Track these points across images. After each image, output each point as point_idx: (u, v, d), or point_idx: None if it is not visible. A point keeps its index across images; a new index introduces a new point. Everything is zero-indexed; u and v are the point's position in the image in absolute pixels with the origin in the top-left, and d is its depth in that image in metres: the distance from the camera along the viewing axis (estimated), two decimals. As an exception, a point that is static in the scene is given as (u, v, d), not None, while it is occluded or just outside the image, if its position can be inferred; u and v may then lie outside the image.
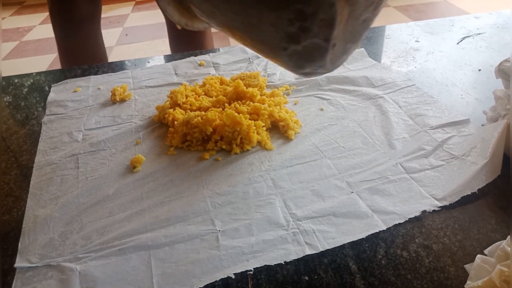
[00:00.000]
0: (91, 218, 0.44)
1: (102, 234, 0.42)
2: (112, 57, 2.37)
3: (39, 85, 0.74)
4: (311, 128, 0.56)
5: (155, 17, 2.95)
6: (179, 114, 0.57)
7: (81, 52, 0.95)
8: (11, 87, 0.75)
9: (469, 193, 0.43)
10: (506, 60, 0.51)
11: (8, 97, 0.72)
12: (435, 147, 0.49)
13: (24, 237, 0.43)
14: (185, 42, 1.07)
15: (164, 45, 2.37)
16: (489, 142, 0.46)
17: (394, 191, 0.44)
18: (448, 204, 0.42)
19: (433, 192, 0.43)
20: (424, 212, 0.41)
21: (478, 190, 0.43)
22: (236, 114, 0.52)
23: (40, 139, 0.58)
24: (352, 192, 0.44)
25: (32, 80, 0.76)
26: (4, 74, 0.83)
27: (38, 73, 0.79)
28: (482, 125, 0.53)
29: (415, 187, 0.44)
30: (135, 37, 2.56)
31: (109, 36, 2.66)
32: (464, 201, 0.42)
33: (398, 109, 0.57)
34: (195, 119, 0.53)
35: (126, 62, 0.80)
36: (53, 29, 0.97)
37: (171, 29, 1.11)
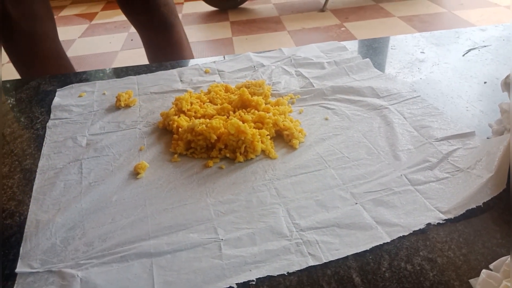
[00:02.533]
0: (93, 224, 0.44)
1: (104, 241, 0.42)
2: (116, 62, 2.38)
3: (44, 89, 0.75)
4: (316, 137, 0.55)
5: (160, 23, 2.97)
6: (183, 121, 0.57)
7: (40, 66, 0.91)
8: (16, 90, 0.75)
9: (474, 206, 0.42)
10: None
11: (13, 101, 0.72)
12: (440, 159, 0.49)
13: (26, 242, 0.42)
14: (163, 54, 1.05)
15: (169, 51, 2.38)
16: (495, 155, 0.45)
17: (398, 203, 0.44)
18: (453, 217, 0.42)
19: (438, 204, 0.43)
20: (428, 225, 0.41)
21: (483, 203, 0.43)
22: (241, 123, 0.52)
23: (44, 143, 0.58)
24: (356, 203, 0.44)
25: (37, 84, 0.77)
26: (9, 78, 0.83)
27: (43, 77, 0.79)
28: (488, 138, 0.52)
29: (420, 199, 0.44)
30: (140, 42, 2.57)
31: (115, 41, 2.67)
32: (469, 214, 0.42)
33: (403, 120, 0.57)
34: (199, 127, 0.53)
35: (132, 67, 0.80)
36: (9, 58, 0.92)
37: (146, 40, 1.08)
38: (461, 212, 0.42)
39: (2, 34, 0.87)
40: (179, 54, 1.06)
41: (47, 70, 0.92)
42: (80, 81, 0.75)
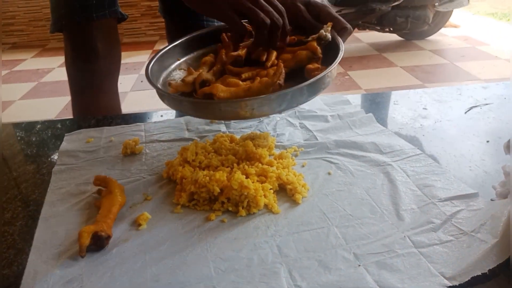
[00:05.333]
0: (92, 278, 0.43)
1: (102, 296, 0.41)
2: (126, 103, 2.43)
3: (53, 133, 0.76)
4: (319, 193, 0.56)
5: (169, 65, 3.06)
6: (188, 172, 0.57)
7: (96, 107, 0.95)
8: (24, 133, 0.77)
9: (479, 273, 0.41)
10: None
11: (21, 144, 0.73)
12: (444, 221, 0.49)
13: (22, 294, 0.42)
14: None
15: (176, 93, 2.44)
16: (499, 220, 0.45)
17: (402, 266, 0.43)
18: (457, 284, 0.41)
19: (442, 270, 0.42)
20: (433, 291, 0.40)
21: (489, 270, 0.42)
22: (244, 178, 0.52)
23: (48, 189, 0.58)
24: (359, 265, 0.43)
25: (46, 128, 0.78)
26: (20, 114, 0.85)
27: (53, 121, 0.81)
28: (492, 199, 0.52)
29: (424, 264, 0.43)
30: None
31: (125, 81, 2.74)
32: (475, 282, 0.41)
33: (406, 178, 0.57)
34: (203, 179, 0.54)
35: (140, 114, 0.82)
36: (69, 82, 0.98)
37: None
38: (466, 279, 0.41)
39: (83, 69, 0.94)
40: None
41: (100, 103, 0.97)
42: (89, 126, 0.77)
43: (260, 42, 0.60)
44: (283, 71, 0.57)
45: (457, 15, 3.78)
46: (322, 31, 0.62)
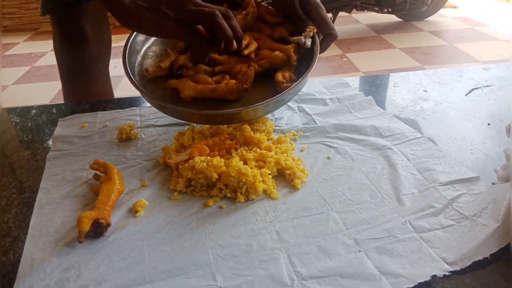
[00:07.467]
0: (89, 265, 0.43)
1: (100, 284, 0.41)
2: (121, 87, 2.40)
3: (47, 118, 0.75)
4: (318, 177, 0.55)
5: (165, 48, 3.01)
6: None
7: (86, 93, 0.93)
8: (18, 119, 0.75)
9: (481, 258, 0.41)
10: (517, 120, 0.50)
11: (15, 130, 0.72)
12: (445, 205, 0.48)
13: (19, 282, 0.41)
14: None
15: (172, 77, 2.40)
16: (501, 204, 0.45)
17: (403, 251, 0.42)
18: (459, 269, 0.40)
19: (443, 254, 0.42)
20: (434, 276, 0.40)
21: (490, 255, 0.41)
22: (242, 165, 0.51)
23: (43, 176, 0.57)
24: (359, 251, 0.43)
25: (40, 113, 0.77)
26: (13, 99, 0.84)
27: (46, 106, 0.79)
28: (493, 183, 0.52)
29: (425, 248, 0.43)
30: (144, 67, 2.59)
31: (119, 65, 2.70)
32: (476, 266, 0.41)
33: (406, 162, 0.56)
34: (200, 165, 0.53)
35: (135, 98, 0.80)
36: (58, 68, 0.95)
37: None
38: (468, 264, 0.41)
39: (72, 54, 0.92)
40: None
41: (92, 89, 0.95)
42: (83, 111, 0.75)
43: (223, 33, 0.55)
44: (252, 76, 0.57)
45: (457, -5, 3.73)
46: (301, 37, 0.61)
